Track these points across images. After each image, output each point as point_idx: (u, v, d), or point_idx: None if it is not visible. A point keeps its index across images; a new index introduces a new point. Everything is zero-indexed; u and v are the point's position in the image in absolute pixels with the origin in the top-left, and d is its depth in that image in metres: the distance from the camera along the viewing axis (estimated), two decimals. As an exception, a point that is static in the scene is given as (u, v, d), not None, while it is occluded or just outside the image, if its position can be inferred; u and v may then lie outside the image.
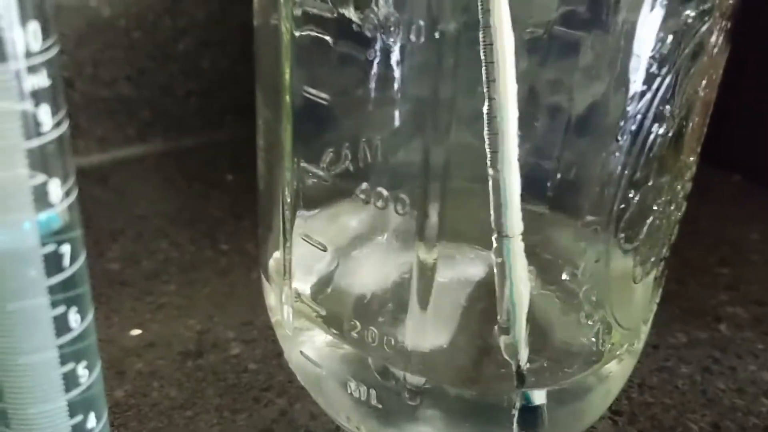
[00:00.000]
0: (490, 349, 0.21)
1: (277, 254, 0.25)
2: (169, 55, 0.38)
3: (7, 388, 0.14)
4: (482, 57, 0.18)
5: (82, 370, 0.14)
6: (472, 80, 0.20)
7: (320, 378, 0.23)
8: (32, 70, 0.11)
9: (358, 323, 0.23)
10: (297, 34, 0.22)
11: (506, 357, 0.20)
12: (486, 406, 0.22)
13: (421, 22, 0.20)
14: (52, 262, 0.13)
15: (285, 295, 0.24)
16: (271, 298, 0.25)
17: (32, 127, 0.12)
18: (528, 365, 0.20)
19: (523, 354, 0.20)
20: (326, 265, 0.25)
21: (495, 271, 0.19)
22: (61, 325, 0.13)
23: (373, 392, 0.22)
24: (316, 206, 0.24)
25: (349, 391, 0.22)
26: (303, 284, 0.24)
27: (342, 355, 0.23)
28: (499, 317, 0.20)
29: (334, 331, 0.23)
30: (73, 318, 0.14)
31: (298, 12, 0.21)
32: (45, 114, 0.12)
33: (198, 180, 0.37)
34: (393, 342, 0.22)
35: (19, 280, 0.13)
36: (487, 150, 0.18)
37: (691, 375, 0.26)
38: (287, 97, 0.24)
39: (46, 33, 0.11)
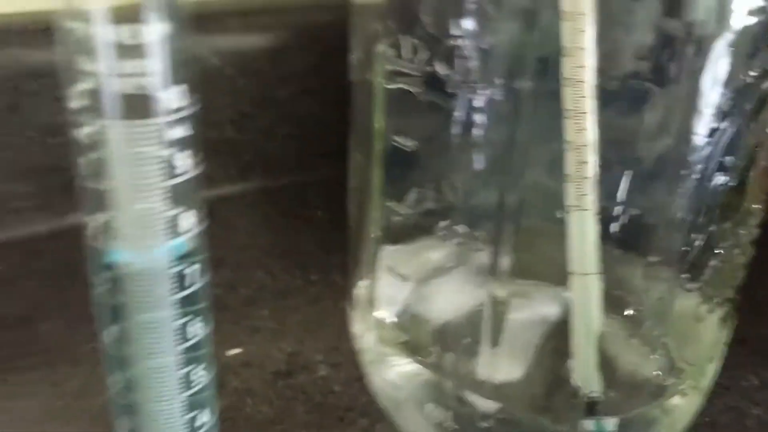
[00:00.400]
0: (560, 379, 0.23)
1: (362, 284, 0.28)
2: (270, 102, 0.41)
3: (137, 385, 0.16)
4: (563, 104, 0.20)
5: (199, 372, 0.16)
6: (546, 127, 0.22)
7: (400, 400, 0.25)
8: (176, 123, 0.14)
9: (435, 350, 0.25)
10: (388, 87, 0.25)
11: (576, 387, 0.22)
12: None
13: (500, 77, 0.22)
14: (179, 281, 0.15)
15: (369, 322, 0.27)
16: (356, 325, 0.28)
17: (171, 169, 0.14)
18: (597, 395, 0.22)
19: (594, 385, 0.21)
20: (408, 295, 0.27)
21: (569, 306, 0.21)
22: (182, 334, 0.16)
23: (448, 415, 0.24)
24: (400, 241, 0.27)
25: (426, 413, 0.24)
26: (386, 312, 0.26)
27: (420, 379, 0.25)
28: (570, 350, 0.21)
29: (414, 357, 0.25)
30: (193, 329, 0.16)
31: (389, 68, 0.24)
32: (182, 158, 0.14)
33: (292, 216, 0.40)
34: (467, 370, 0.24)
35: (150, 296, 0.15)
36: (565, 191, 0.20)
37: (760, 416, 0.26)
38: (378, 143, 0.26)
39: (190, 93, 0.14)
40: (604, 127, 0.21)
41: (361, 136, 0.26)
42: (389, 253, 0.27)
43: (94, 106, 0.13)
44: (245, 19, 0.39)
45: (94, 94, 0.13)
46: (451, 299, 0.27)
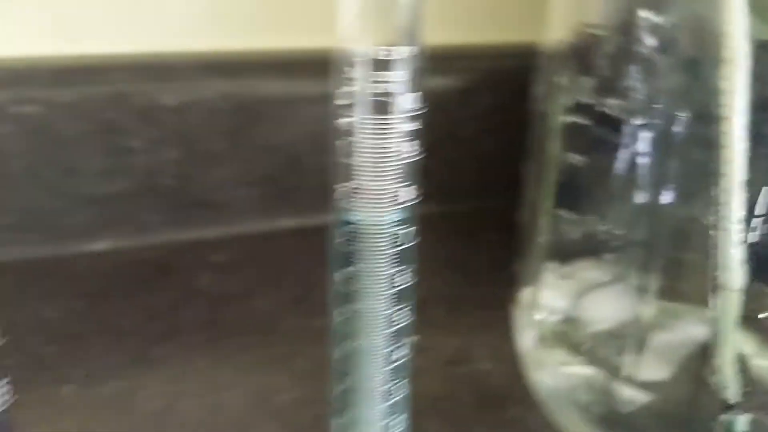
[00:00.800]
0: (701, 380, 0.25)
1: (527, 291, 0.32)
2: (455, 137, 0.47)
3: (354, 318, 0.21)
4: (718, 142, 0.23)
5: (402, 313, 0.21)
6: (699, 162, 0.25)
7: (553, 392, 0.29)
8: (409, 120, 0.19)
9: (589, 351, 0.28)
10: (564, 119, 0.29)
11: (716, 388, 0.24)
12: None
13: (662, 118, 0.26)
14: (395, 239, 0.20)
15: (531, 323, 0.31)
16: (519, 325, 0.32)
17: (400, 153, 0.20)
18: (734, 396, 0.24)
19: (731, 386, 0.24)
20: (567, 303, 0.30)
21: (713, 318, 0.24)
22: (392, 281, 0.21)
23: (597, 408, 0.27)
24: (564, 256, 0.30)
25: (579, 406, 0.28)
26: (546, 316, 0.30)
27: (573, 375, 0.28)
28: (711, 355, 0.24)
29: (569, 356, 0.29)
30: (401, 278, 0.21)
31: (568, 101, 0.28)
32: (410, 146, 0.20)
33: (467, 237, 0.45)
34: (617, 371, 0.27)
35: (374, 248, 0.20)
36: (714, 212, 0.23)
37: None
38: (550, 168, 0.30)
39: (419, 99, 0.19)
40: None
41: (537, 161, 0.31)
42: (553, 267, 0.31)
43: (353, 104, 0.19)
44: (441, 61, 0.45)
45: (353, 95, 0.19)
46: (605, 310, 0.30)
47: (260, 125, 0.43)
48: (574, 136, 0.29)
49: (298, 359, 0.33)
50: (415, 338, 0.35)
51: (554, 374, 0.30)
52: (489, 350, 0.34)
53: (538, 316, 0.31)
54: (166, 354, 0.33)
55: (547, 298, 0.31)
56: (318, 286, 0.39)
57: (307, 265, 0.42)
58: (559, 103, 0.28)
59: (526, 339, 0.32)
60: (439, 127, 0.46)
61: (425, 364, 0.33)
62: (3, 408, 0.19)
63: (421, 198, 0.21)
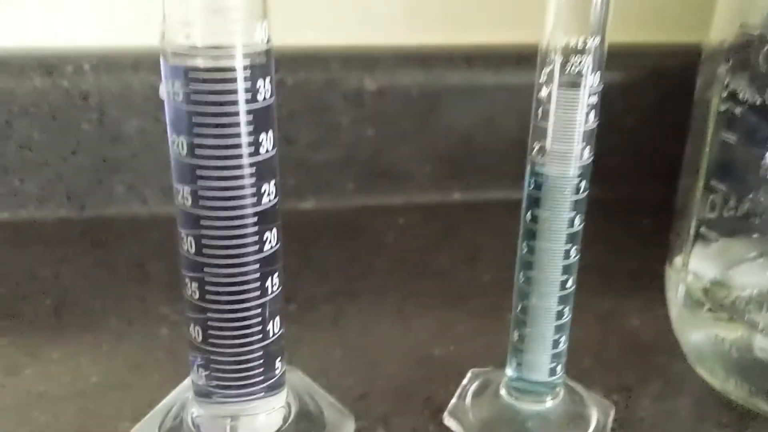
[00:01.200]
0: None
1: (679, 259, 0.36)
2: (617, 127, 0.51)
3: (535, 249, 0.27)
4: None
5: (575, 250, 0.27)
6: None
7: (700, 347, 0.34)
8: (592, 94, 0.25)
9: (733, 310, 0.33)
10: (721, 109, 0.33)
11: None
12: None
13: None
14: (576, 189, 0.26)
15: (681, 288, 0.35)
16: (671, 288, 0.36)
17: (585, 122, 0.25)
18: None
19: None
20: (715, 271, 0.35)
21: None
22: (572, 224, 0.27)
23: (737, 357, 0.32)
24: (715, 231, 0.35)
25: (721, 355, 0.32)
26: (696, 281, 0.34)
27: (718, 329, 0.33)
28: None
29: (714, 313, 0.33)
30: (578, 223, 0.27)
31: (725, 92, 0.33)
32: (592, 116, 0.25)
33: (623, 220, 0.50)
34: (758, 325, 0.31)
35: (559, 195, 0.26)
36: None
37: None
38: (706, 154, 0.35)
39: (601, 80, 0.25)
40: None
41: (693, 145, 0.35)
42: (704, 240, 0.35)
43: (550, 80, 0.25)
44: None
45: (552, 74, 0.25)
46: (750, 278, 0.34)
47: (443, 110, 0.50)
48: (728, 122, 0.33)
49: (473, 302, 0.39)
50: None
51: (699, 328, 0.34)
52: (638, 311, 0.39)
53: (688, 279, 0.36)
54: (362, 289, 0.41)
55: (697, 265, 0.36)
56: (484, 249, 0.45)
57: (474, 232, 0.48)
58: (718, 93, 0.33)
59: (674, 298, 0.36)
60: (601, 118, 0.51)
61: (579, 318, 0.38)
62: (276, 294, 0.26)
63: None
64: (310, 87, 0.48)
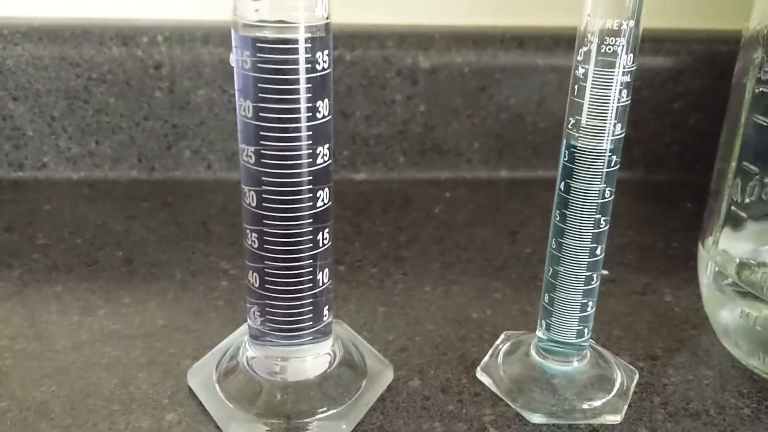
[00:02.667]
0: None
1: (710, 239, 0.38)
2: (665, 111, 0.52)
3: (565, 218, 0.29)
4: None
5: (604, 221, 0.29)
6: None
7: (728, 321, 0.35)
8: (624, 74, 0.27)
9: (762, 290, 0.34)
10: (756, 90, 0.35)
11: None
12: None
13: None
14: (609, 162, 0.28)
15: (712, 264, 0.36)
16: (702, 266, 0.38)
17: (619, 97, 0.27)
18: None
19: None
20: (745, 252, 0.36)
21: None
22: (603, 196, 0.29)
23: (764, 331, 0.33)
24: (747, 212, 0.36)
25: (748, 330, 0.33)
26: (727, 261, 0.36)
27: (747, 306, 0.34)
28: None
29: (743, 290, 0.34)
30: (607, 197, 0.29)
31: (758, 77, 0.34)
32: (624, 93, 0.27)
33: (665, 203, 0.51)
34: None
35: (591, 167, 0.28)
36: None
37: None
38: (740, 137, 0.36)
39: (633, 59, 0.27)
40: None
41: (729, 127, 0.36)
42: (735, 222, 0.37)
43: (587, 59, 0.27)
44: (658, 43, 0.51)
45: (589, 53, 0.27)
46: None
47: (494, 89, 0.52)
48: (762, 105, 0.34)
49: (512, 273, 0.42)
50: (605, 272, 0.42)
51: (727, 305, 0.35)
52: (672, 288, 0.41)
53: (718, 257, 0.37)
54: (408, 255, 0.43)
55: (728, 245, 0.37)
56: (527, 225, 0.47)
57: (518, 209, 0.50)
58: (753, 77, 0.34)
59: (705, 276, 0.38)
60: (650, 102, 0.52)
61: (615, 292, 0.40)
62: (327, 248, 0.29)
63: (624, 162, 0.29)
64: (366, 63, 0.50)
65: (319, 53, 0.26)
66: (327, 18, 0.26)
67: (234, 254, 0.42)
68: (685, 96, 0.52)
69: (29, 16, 0.49)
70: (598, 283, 0.30)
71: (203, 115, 0.50)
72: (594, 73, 0.27)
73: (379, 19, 0.51)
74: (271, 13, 0.25)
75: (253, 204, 0.27)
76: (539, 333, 0.32)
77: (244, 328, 0.34)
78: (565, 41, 0.51)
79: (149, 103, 0.50)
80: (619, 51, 0.26)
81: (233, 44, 0.26)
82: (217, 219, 0.46)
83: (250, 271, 0.29)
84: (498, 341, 0.34)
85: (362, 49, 0.50)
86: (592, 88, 0.27)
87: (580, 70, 0.27)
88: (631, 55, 0.27)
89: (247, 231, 0.28)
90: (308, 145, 0.27)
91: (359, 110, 0.51)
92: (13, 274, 0.39)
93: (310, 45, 0.25)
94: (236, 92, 0.26)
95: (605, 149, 0.28)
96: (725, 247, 0.36)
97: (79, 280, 0.39)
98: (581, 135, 0.28)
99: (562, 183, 0.29)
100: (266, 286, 0.29)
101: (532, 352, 0.32)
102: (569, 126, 0.28)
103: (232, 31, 0.26)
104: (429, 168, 0.53)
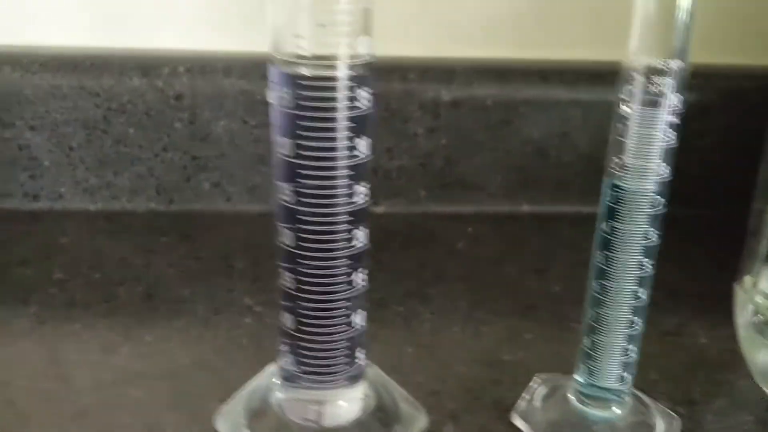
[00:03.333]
0: None
1: (748, 278, 0.37)
2: (690, 147, 0.52)
3: (609, 260, 0.28)
4: None
5: (649, 263, 0.28)
6: None
7: (764, 362, 0.34)
8: (671, 113, 0.26)
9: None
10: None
11: None
12: None
13: None
14: (654, 204, 0.27)
15: (750, 305, 0.36)
16: (739, 307, 0.37)
17: (662, 141, 0.26)
18: None
19: None
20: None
21: None
22: (647, 236, 0.28)
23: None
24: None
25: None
26: (766, 301, 0.35)
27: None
28: None
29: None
30: (653, 234, 0.28)
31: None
32: (670, 134, 0.26)
33: (693, 240, 0.50)
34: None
35: (634, 208, 0.27)
36: None
37: None
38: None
39: (681, 93, 0.26)
40: None
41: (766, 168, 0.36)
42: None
43: (631, 98, 0.26)
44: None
45: (633, 92, 0.26)
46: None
47: (517, 123, 0.51)
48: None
49: (542, 312, 0.41)
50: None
51: (766, 347, 0.34)
52: (706, 329, 0.40)
53: (757, 298, 0.36)
54: (434, 293, 0.42)
55: (766, 285, 0.36)
56: (553, 262, 0.46)
57: (543, 245, 0.49)
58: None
59: (742, 317, 0.37)
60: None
61: (647, 332, 0.39)
62: (362, 289, 0.28)
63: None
64: (388, 96, 0.50)
65: (360, 91, 0.25)
66: (369, 56, 0.25)
67: (257, 290, 0.41)
68: (711, 131, 0.52)
69: (48, 45, 0.49)
70: (641, 327, 0.29)
71: (223, 146, 0.50)
72: (639, 113, 0.26)
73: (401, 52, 0.51)
74: (313, 49, 0.24)
75: (290, 243, 0.27)
76: (578, 377, 0.31)
77: (271, 368, 0.33)
78: (588, 75, 0.51)
79: (169, 134, 0.49)
80: (666, 91, 0.26)
81: (271, 81, 0.25)
82: (239, 253, 0.46)
83: (284, 312, 0.28)
84: (532, 384, 0.33)
85: (384, 81, 0.49)
86: (637, 127, 0.26)
87: (625, 109, 0.27)
88: (679, 95, 0.26)
89: (282, 270, 0.27)
90: (347, 183, 0.26)
91: (381, 143, 0.51)
92: (30, 310, 0.39)
93: (351, 83, 0.25)
94: (274, 129, 0.26)
95: (651, 190, 0.27)
96: (764, 288, 0.35)
97: (98, 316, 0.38)
98: (625, 175, 0.27)
99: (605, 223, 0.28)
100: (300, 327, 0.28)
101: (571, 396, 0.31)
102: (612, 165, 0.27)
103: (271, 67, 0.25)
104: (450, 202, 0.53)
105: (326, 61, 0.24)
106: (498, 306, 0.41)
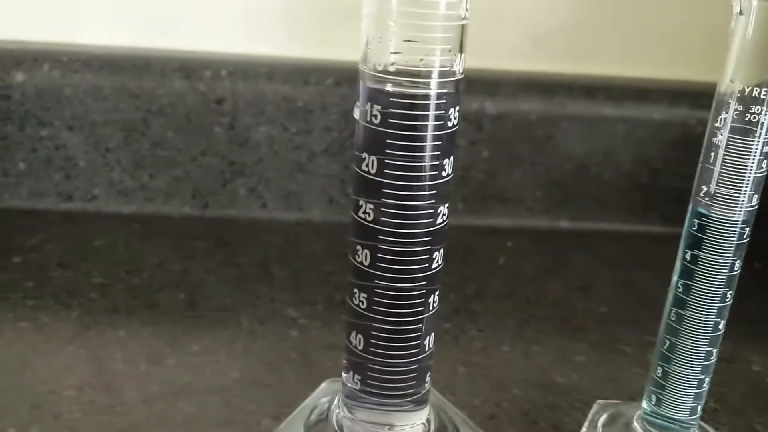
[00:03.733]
0: None
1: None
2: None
3: (688, 288, 0.28)
4: None
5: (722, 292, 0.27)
6: None
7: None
8: (767, 144, 0.25)
9: None
10: None
11: None
12: None
13: None
14: (740, 235, 0.26)
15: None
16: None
17: (755, 170, 0.26)
18: None
19: None
20: None
21: None
22: (732, 270, 0.27)
23: None
24: None
25: None
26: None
27: None
28: None
29: None
30: (737, 267, 0.27)
31: None
32: (764, 164, 0.26)
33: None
34: None
35: (720, 239, 0.27)
36: None
37: None
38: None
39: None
40: None
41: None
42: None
43: (724, 126, 0.25)
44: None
45: (727, 120, 0.25)
46: None
47: (560, 138, 0.50)
48: None
49: (590, 334, 0.40)
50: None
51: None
52: (759, 356, 0.39)
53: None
54: (480, 310, 0.41)
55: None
56: (596, 280, 0.45)
57: (585, 263, 0.48)
58: None
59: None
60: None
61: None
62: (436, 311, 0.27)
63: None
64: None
65: (451, 109, 0.24)
66: (461, 73, 0.24)
67: (300, 301, 0.40)
68: None
69: (90, 44, 0.48)
70: (716, 358, 0.29)
71: (262, 152, 0.49)
72: (731, 141, 0.26)
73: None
74: (404, 65, 0.23)
75: (366, 262, 0.26)
76: (646, 406, 0.30)
77: (325, 386, 0.32)
78: (634, 91, 0.50)
79: (208, 139, 0.48)
80: (762, 120, 0.25)
81: (361, 96, 0.24)
82: (277, 261, 0.45)
83: (354, 332, 0.27)
84: (593, 411, 0.33)
85: (428, 91, 0.49)
86: (728, 156, 0.26)
87: (718, 137, 0.26)
88: (777, 124, 0.25)
89: (355, 289, 0.26)
90: (431, 204, 0.25)
91: (422, 154, 0.50)
92: (72, 314, 0.38)
93: (443, 101, 0.24)
94: (359, 145, 0.25)
95: (738, 220, 0.26)
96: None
97: (142, 323, 0.37)
98: (713, 204, 0.26)
99: (689, 253, 0.27)
100: (371, 348, 0.27)
101: (636, 425, 0.31)
102: (700, 194, 0.27)
103: (361, 82, 0.24)
104: (488, 215, 0.52)
105: (417, 78, 0.23)
106: (546, 326, 0.40)
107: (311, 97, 0.48)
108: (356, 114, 0.25)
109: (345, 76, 0.48)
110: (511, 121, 0.50)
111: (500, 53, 0.51)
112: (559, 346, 0.38)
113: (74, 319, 0.37)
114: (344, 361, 0.28)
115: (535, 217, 0.52)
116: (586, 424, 0.32)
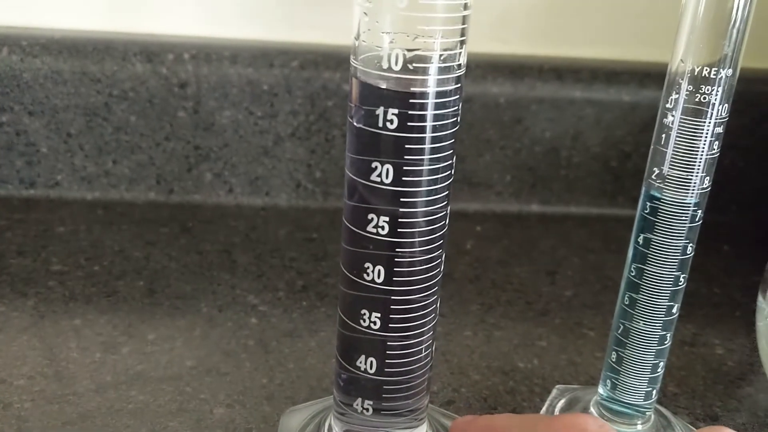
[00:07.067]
0: None
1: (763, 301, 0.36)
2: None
3: (639, 268, 0.27)
4: None
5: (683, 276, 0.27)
6: None
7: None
8: (717, 125, 0.25)
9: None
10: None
11: None
12: None
13: None
14: (691, 218, 0.26)
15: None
16: (761, 319, 0.36)
17: (706, 152, 0.25)
18: None
19: None
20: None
21: None
22: (684, 251, 0.27)
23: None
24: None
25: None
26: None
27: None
28: None
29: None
30: (690, 252, 0.27)
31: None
32: (714, 146, 0.25)
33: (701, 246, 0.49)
34: None
35: (670, 221, 0.26)
36: None
37: None
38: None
39: (729, 111, 0.25)
40: None
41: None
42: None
43: (676, 107, 0.25)
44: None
45: (678, 101, 0.25)
46: None
47: (529, 121, 0.50)
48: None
49: (555, 318, 0.40)
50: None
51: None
52: (722, 339, 0.39)
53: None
54: (444, 295, 0.41)
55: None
56: (564, 265, 0.45)
57: (553, 247, 0.48)
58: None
59: (765, 329, 0.36)
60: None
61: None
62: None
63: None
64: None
65: (459, 104, 0.23)
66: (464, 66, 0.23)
67: (261, 288, 0.40)
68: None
69: (50, 27, 0.47)
70: (671, 342, 0.28)
71: (228, 137, 0.48)
72: (683, 122, 0.25)
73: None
74: (423, 64, 0.21)
75: (378, 280, 0.23)
76: (602, 391, 0.30)
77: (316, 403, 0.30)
78: (603, 74, 0.50)
79: (172, 123, 0.47)
80: (713, 101, 0.25)
81: (363, 99, 0.22)
82: (241, 248, 0.44)
83: (362, 357, 0.24)
84: (552, 395, 0.32)
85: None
86: (680, 138, 0.25)
87: (669, 118, 0.25)
88: (726, 105, 0.25)
89: (364, 312, 0.23)
90: (444, 206, 0.23)
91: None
92: (28, 302, 0.37)
93: (456, 97, 0.22)
94: (363, 154, 0.22)
95: (690, 203, 0.26)
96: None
97: (99, 312, 0.37)
98: (665, 186, 0.26)
99: (641, 236, 0.27)
100: (386, 370, 0.24)
101: (593, 411, 0.30)
102: (652, 176, 0.26)
103: (361, 82, 0.21)
104: (456, 199, 0.51)
105: (438, 75, 0.22)
106: (510, 311, 0.40)
107: (276, 80, 0.47)
108: (354, 119, 0.22)
109: (310, 59, 0.47)
110: (479, 104, 0.49)
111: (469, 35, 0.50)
112: (522, 331, 0.38)
113: (30, 308, 0.37)
114: (341, 386, 0.26)
115: (505, 201, 0.52)
116: (543, 408, 0.32)
